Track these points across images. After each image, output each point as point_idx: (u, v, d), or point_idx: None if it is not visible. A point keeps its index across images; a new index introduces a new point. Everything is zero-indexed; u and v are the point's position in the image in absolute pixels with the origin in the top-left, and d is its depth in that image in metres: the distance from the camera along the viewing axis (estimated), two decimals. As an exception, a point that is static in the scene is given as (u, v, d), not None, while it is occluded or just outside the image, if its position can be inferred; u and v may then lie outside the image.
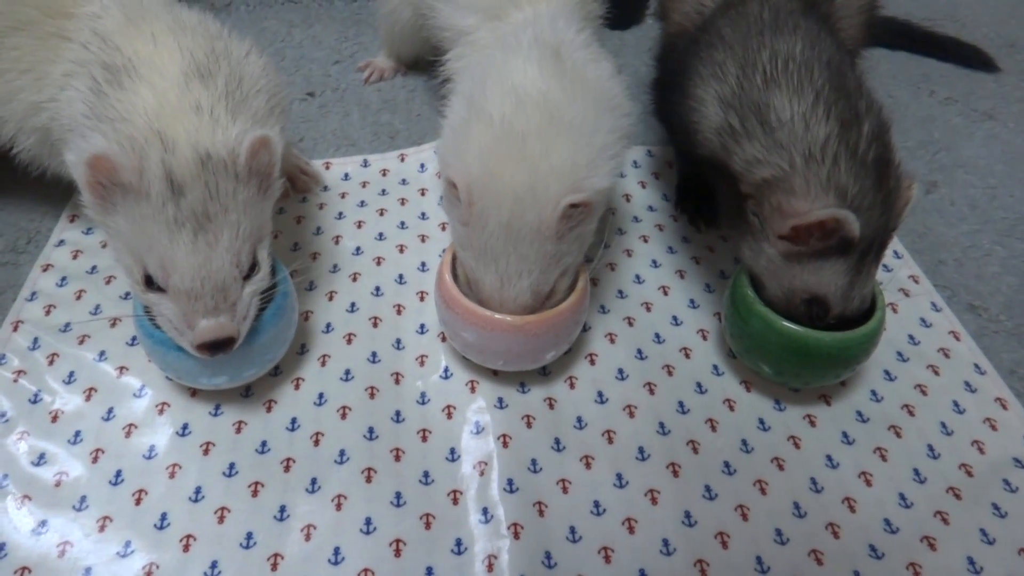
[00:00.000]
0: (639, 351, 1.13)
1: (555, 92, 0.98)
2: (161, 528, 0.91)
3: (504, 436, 1.01)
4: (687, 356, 1.13)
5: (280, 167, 0.96)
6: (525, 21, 1.11)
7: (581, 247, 1.01)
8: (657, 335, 1.16)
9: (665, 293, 1.23)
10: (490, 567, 0.89)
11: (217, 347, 0.89)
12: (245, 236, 0.91)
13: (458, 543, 0.91)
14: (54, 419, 1.01)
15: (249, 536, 0.91)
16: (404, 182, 1.41)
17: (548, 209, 0.92)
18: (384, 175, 1.43)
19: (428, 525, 0.93)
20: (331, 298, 1.19)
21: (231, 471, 0.97)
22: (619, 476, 0.98)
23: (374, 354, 1.11)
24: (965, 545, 0.93)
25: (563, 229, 0.94)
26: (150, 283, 0.89)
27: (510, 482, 0.96)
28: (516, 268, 0.95)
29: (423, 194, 1.39)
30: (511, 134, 0.94)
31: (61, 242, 1.26)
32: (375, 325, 1.15)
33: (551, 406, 1.06)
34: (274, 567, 0.89)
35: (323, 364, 1.10)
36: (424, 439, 1.01)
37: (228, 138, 0.90)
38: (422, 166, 1.44)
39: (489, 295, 0.98)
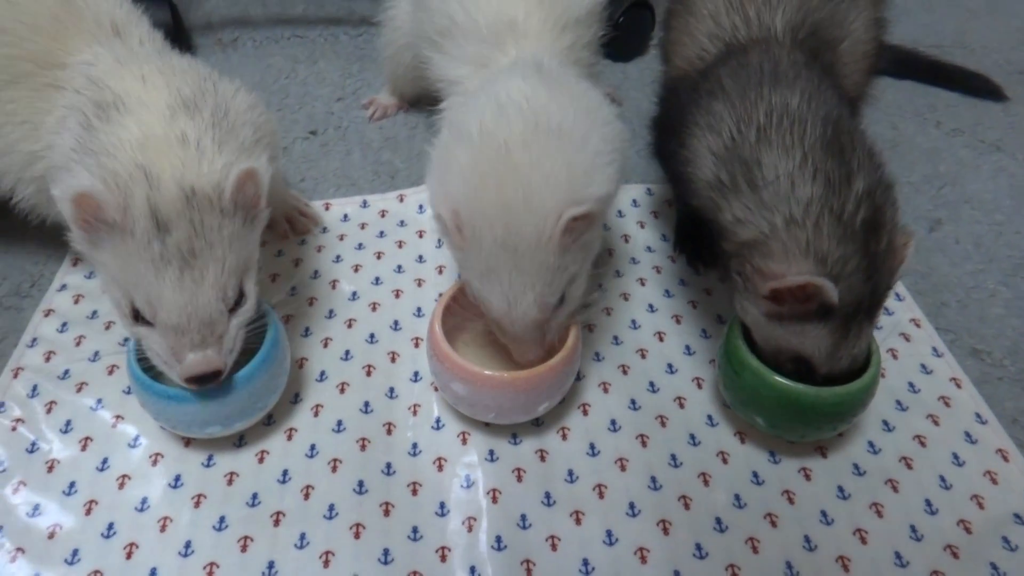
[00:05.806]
0: (632, 401, 1.12)
1: (540, 97, 0.94)
2: (151, 584, 0.92)
3: (494, 491, 1.00)
4: (681, 406, 1.12)
5: (267, 198, 0.97)
6: (510, 63, 1.11)
7: (587, 255, 0.98)
8: (651, 384, 1.15)
9: (661, 339, 1.22)
10: (476, 628, 0.88)
11: (205, 379, 0.91)
12: (231, 270, 0.92)
13: (445, 602, 0.91)
14: (50, 469, 1.02)
15: (237, 593, 0.91)
16: (402, 223, 1.42)
17: (548, 222, 0.88)
18: (383, 216, 1.43)
19: (415, 583, 0.92)
20: (326, 345, 1.20)
21: (221, 524, 0.97)
22: (609, 533, 0.97)
23: (367, 404, 1.11)
24: (962, 607, 0.92)
25: (567, 242, 0.90)
26: (138, 317, 0.91)
27: (499, 539, 0.95)
28: (520, 284, 0.91)
29: (421, 236, 1.39)
30: (493, 145, 0.91)
31: (63, 287, 1.28)
32: (368, 373, 1.16)
33: (543, 458, 1.05)
34: (261, 626, 0.89)
35: (316, 414, 1.10)
36: (414, 492, 1.01)
37: (214, 171, 0.90)
38: (420, 207, 1.44)
39: (499, 317, 0.96)
